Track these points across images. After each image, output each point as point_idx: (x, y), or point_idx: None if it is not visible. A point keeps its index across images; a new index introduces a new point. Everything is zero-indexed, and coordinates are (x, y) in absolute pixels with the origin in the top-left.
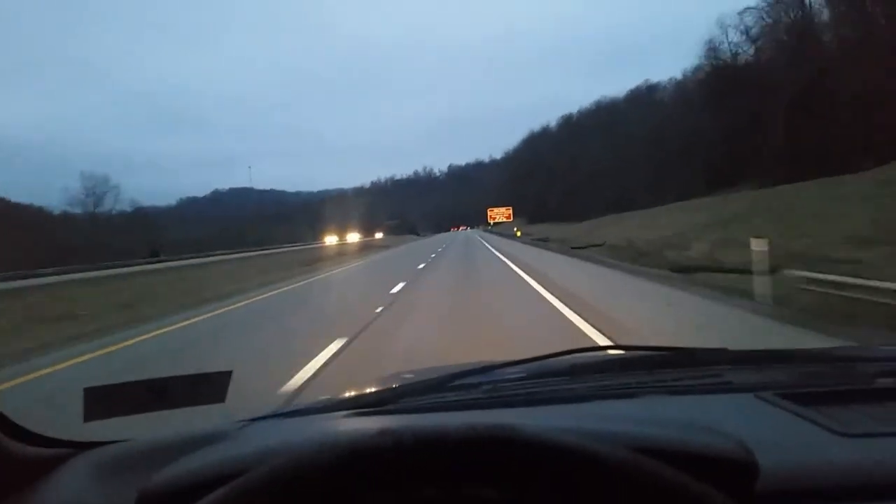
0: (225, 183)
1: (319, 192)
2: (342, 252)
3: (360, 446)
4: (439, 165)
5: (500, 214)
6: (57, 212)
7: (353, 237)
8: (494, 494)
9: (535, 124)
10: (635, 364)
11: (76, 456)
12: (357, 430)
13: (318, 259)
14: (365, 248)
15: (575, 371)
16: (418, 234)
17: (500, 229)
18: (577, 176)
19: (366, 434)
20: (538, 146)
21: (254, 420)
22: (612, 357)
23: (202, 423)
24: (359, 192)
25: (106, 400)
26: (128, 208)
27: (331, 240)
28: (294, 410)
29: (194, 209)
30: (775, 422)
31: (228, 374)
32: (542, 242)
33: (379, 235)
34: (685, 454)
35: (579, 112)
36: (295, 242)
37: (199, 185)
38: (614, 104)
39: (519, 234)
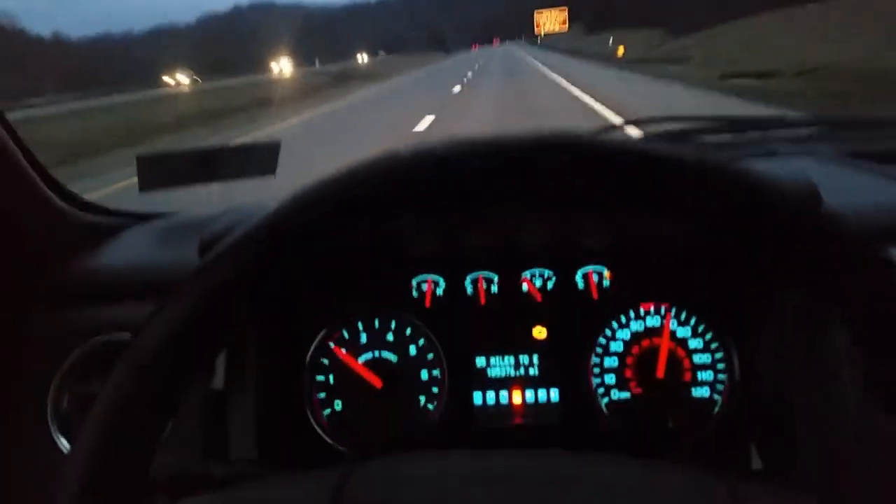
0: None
1: (343, 6)
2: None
3: (420, 150)
4: None
5: (551, 20)
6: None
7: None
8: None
9: None
10: (687, 134)
11: (135, 225)
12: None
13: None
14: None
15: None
16: (447, 52)
17: (550, 42)
18: None
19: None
20: None
21: None
22: (662, 130)
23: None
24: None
25: (158, 169)
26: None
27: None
28: None
29: (216, 27)
30: (839, 176)
31: (277, 144)
32: None
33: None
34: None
35: None
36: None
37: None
38: None
39: (621, 52)
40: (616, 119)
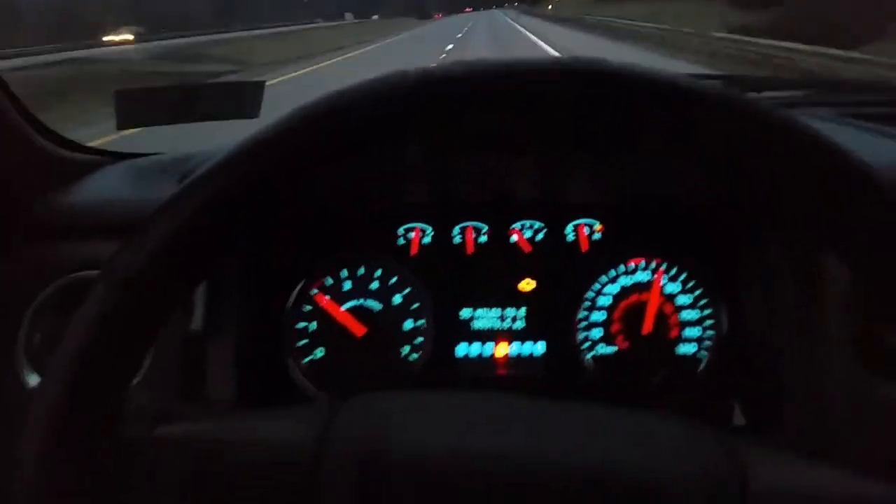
0: None
1: None
2: None
3: (431, 71)
4: None
5: None
6: None
7: None
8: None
9: None
10: None
11: (113, 163)
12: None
13: None
14: None
15: None
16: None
17: (558, 12)
18: None
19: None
20: None
21: None
22: None
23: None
24: None
25: (137, 105)
26: None
27: None
28: None
29: None
30: (839, 133)
31: (262, 83)
32: None
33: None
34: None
35: None
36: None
37: None
38: None
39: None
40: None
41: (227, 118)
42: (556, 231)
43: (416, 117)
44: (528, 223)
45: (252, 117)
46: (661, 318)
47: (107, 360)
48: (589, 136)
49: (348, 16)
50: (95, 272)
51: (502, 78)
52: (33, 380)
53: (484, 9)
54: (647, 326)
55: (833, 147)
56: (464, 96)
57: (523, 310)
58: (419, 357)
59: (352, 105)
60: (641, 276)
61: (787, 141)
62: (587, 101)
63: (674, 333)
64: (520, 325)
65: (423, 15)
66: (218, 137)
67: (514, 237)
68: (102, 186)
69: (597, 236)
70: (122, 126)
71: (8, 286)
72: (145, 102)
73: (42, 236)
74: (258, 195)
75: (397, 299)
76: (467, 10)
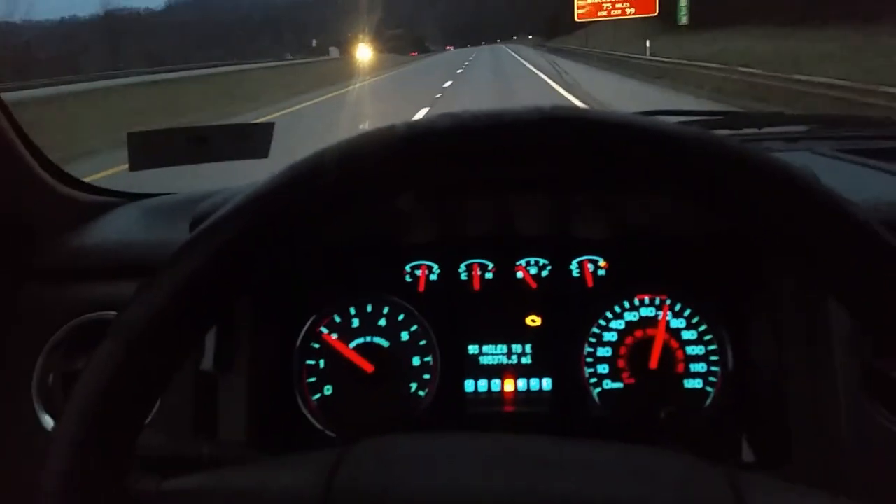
0: None
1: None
2: None
3: (417, 126)
4: None
5: None
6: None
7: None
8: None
9: None
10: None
11: (126, 203)
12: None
13: None
14: None
15: None
16: (429, 51)
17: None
18: None
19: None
20: None
21: None
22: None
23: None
24: None
25: (150, 147)
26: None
27: None
28: None
29: (185, 13)
30: (836, 170)
31: (271, 125)
32: None
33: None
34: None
35: None
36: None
37: None
38: None
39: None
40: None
41: (238, 158)
42: (561, 267)
43: (405, 171)
44: (533, 260)
45: (261, 157)
46: (667, 353)
47: (117, 414)
48: (580, 179)
49: (333, 50)
50: (108, 313)
51: (487, 130)
52: (45, 419)
53: (486, 42)
54: (654, 362)
55: (817, 190)
56: (451, 149)
57: (530, 345)
58: (427, 393)
59: (341, 161)
60: (646, 312)
61: (767, 183)
62: (569, 150)
63: (680, 369)
64: (526, 360)
65: (423, 49)
66: (209, 172)
67: (520, 273)
68: (115, 228)
69: (601, 272)
70: (134, 167)
71: (22, 327)
72: (158, 144)
73: (55, 277)
74: (259, 248)
75: (405, 336)
76: (448, 48)
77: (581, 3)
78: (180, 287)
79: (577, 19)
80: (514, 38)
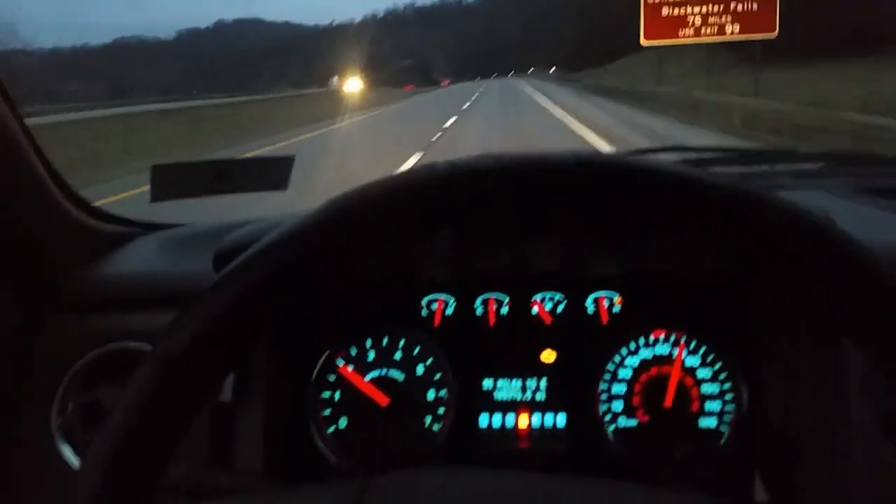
0: (229, 13)
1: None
2: None
3: (458, 166)
4: None
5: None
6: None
7: None
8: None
9: None
10: (697, 165)
11: (146, 234)
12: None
13: None
14: None
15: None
16: (436, 84)
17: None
18: None
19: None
20: None
21: None
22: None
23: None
24: (367, 23)
25: (172, 180)
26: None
27: None
28: None
29: (195, 43)
30: (849, 210)
31: (291, 159)
32: None
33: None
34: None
35: None
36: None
37: (201, 14)
38: None
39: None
40: None
41: (258, 191)
42: (576, 303)
43: (444, 211)
44: (548, 295)
45: (281, 189)
46: (681, 391)
47: (151, 440)
48: (607, 223)
49: (332, 81)
50: (130, 343)
51: (528, 173)
52: (64, 448)
53: (499, 74)
54: (669, 400)
55: (829, 232)
56: (491, 190)
57: (544, 381)
58: (441, 427)
59: (383, 200)
60: (661, 349)
61: (779, 227)
62: (606, 196)
63: (695, 407)
64: (541, 396)
65: (432, 81)
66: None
67: (535, 309)
68: (135, 259)
69: (617, 309)
70: (155, 198)
71: (43, 358)
72: (180, 177)
73: (76, 309)
74: (296, 282)
75: (420, 369)
76: (444, 82)
77: (651, 20)
78: (219, 316)
79: (643, 42)
80: (531, 69)
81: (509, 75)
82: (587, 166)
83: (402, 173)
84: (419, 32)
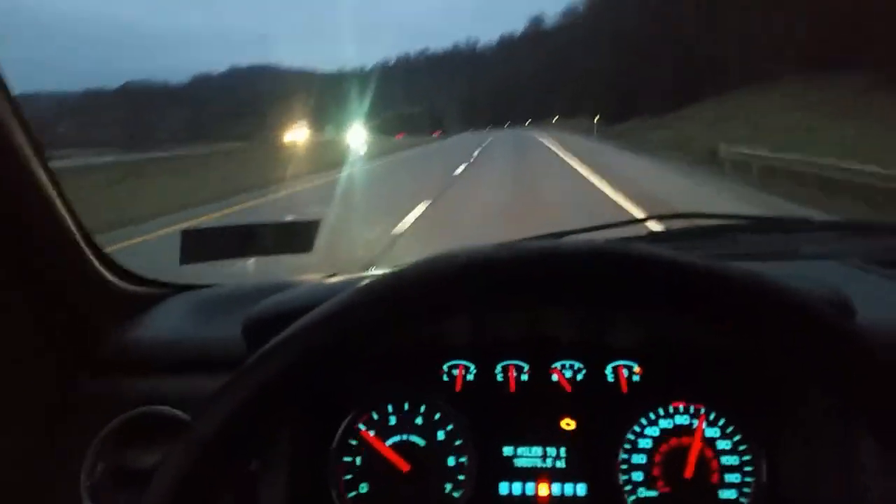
0: (243, 59)
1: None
2: None
3: (476, 256)
4: (488, 36)
5: None
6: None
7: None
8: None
9: None
10: (715, 232)
11: (174, 296)
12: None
13: None
14: None
15: (659, 239)
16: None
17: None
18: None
19: (480, 249)
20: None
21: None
22: (692, 226)
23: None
24: (381, 70)
25: (201, 243)
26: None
27: None
28: None
29: (207, 89)
30: (865, 283)
31: (317, 223)
32: None
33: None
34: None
35: None
36: None
37: (214, 60)
38: None
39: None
40: None
41: (284, 253)
42: (596, 372)
43: (463, 299)
44: (568, 363)
45: (306, 252)
46: (702, 462)
47: None
48: (620, 302)
49: (329, 129)
50: (160, 408)
51: (545, 263)
52: None
53: (494, 126)
54: (689, 471)
55: (819, 314)
56: (509, 280)
57: (564, 449)
58: (462, 494)
59: (416, 284)
60: (681, 420)
61: (768, 310)
62: (617, 282)
63: (715, 479)
64: (561, 464)
65: (438, 126)
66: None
67: (555, 376)
68: (166, 321)
69: (636, 378)
70: (185, 261)
71: (74, 420)
72: (209, 241)
73: (107, 371)
74: (332, 360)
75: (441, 435)
76: (434, 134)
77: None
78: (255, 399)
79: None
80: (555, 118)
81: (527, 124)
82: (598, 257)
83: (423, 261)
84: (429, 79)
